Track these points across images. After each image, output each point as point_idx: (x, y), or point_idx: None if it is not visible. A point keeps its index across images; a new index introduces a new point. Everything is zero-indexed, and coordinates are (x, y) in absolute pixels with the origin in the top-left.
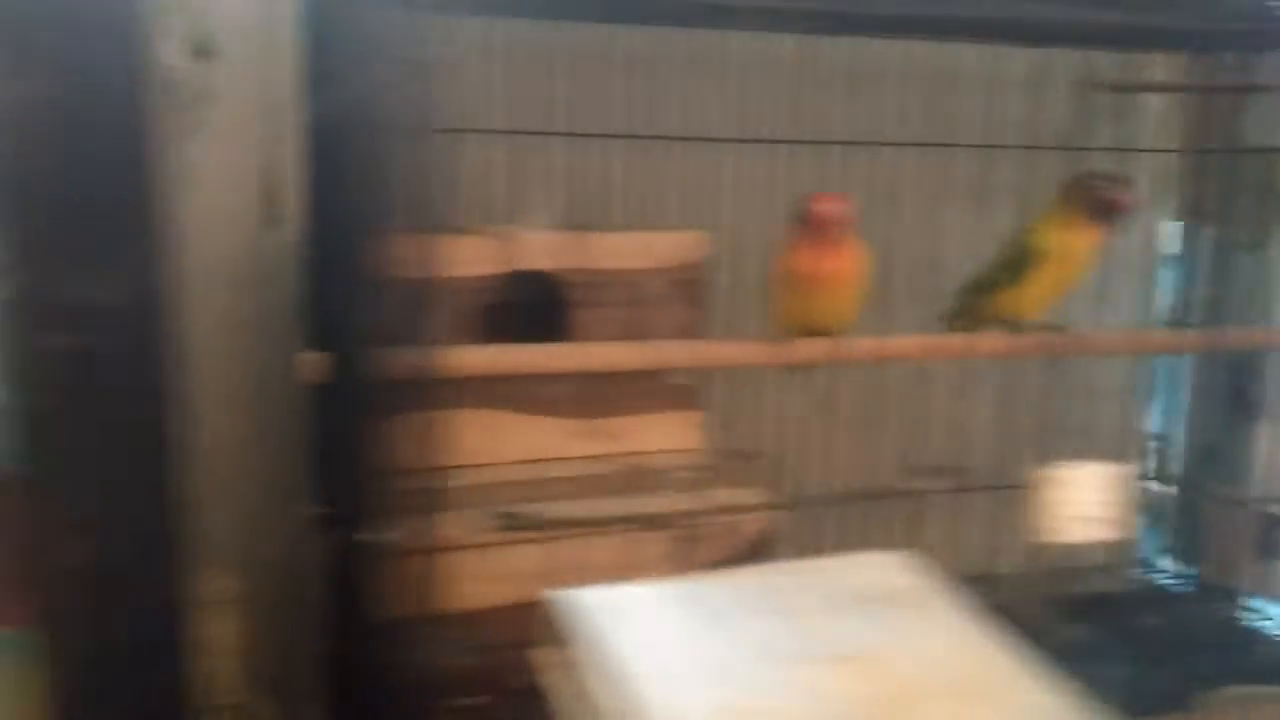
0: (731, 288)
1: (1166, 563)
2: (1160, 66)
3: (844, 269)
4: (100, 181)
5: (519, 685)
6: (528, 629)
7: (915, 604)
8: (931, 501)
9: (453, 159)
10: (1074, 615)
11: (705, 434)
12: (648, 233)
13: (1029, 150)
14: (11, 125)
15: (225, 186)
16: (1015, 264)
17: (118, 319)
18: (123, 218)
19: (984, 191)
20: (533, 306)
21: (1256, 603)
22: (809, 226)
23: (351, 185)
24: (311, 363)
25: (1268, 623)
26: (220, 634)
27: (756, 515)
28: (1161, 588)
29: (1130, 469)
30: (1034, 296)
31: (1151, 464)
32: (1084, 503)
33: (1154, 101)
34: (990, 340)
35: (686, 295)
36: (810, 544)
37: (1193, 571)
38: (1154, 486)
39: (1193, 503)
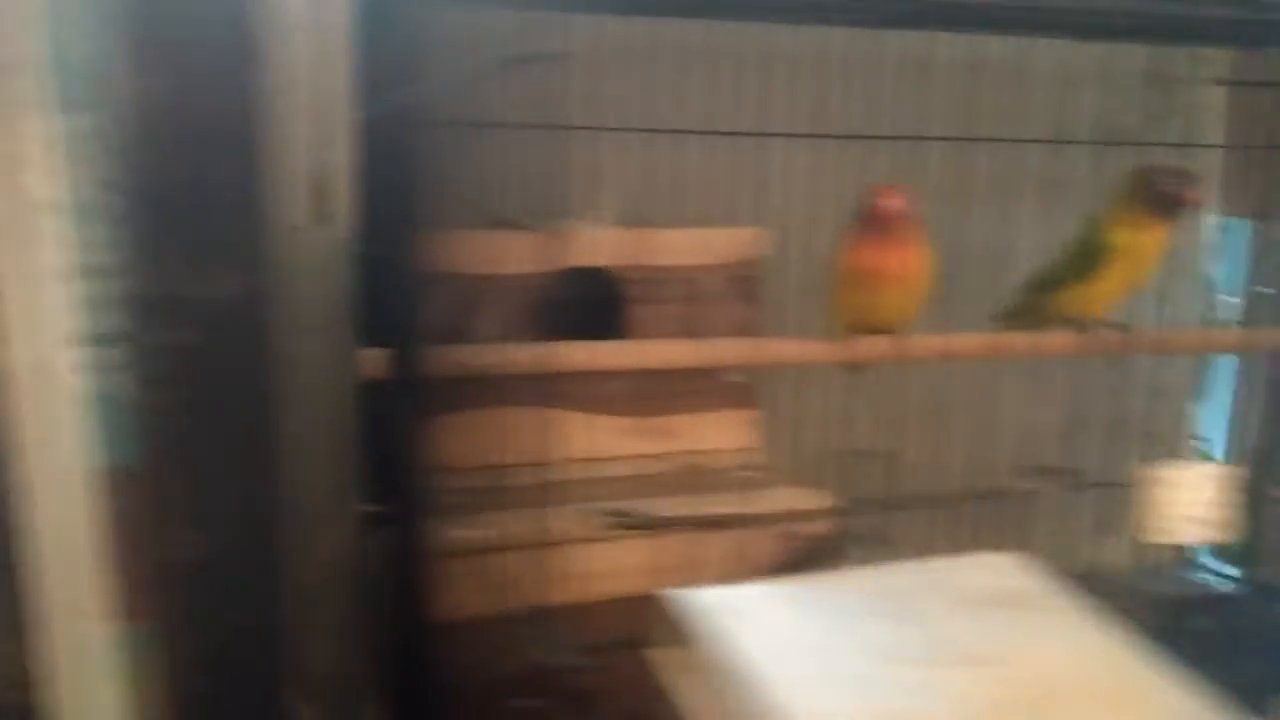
0: (790, 284)
1: (1221, 564)
2: (1213, 62)
3: (906, 265)
4: (214, 183)
5: (578, 687)
6: (586, 627)
7: (1034, 605)
8: (1004, 502)
9: (508, 155)
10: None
11: (763, 432)
12: (705, 229)
13: (1098, 145)
14: (132, 128)
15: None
16: (1083, 261)
17: (228, 315)
18: (235, 217)
19: (1052, 187)
20: (588, 303)
21: None
22: (871, 221)
23: (404, 182)
24: (368, 360)
25: None
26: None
27: (819, 518)
28: (1216, 589)
29: (1237, 471)
30: (1102, 294)
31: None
32: (1192, 503)
33: (1209, 97)
34: (1057, 339)
35: (744, 292)
36: (888, 546)
37: (1246, 573)
38: None
39: (1249, 504)
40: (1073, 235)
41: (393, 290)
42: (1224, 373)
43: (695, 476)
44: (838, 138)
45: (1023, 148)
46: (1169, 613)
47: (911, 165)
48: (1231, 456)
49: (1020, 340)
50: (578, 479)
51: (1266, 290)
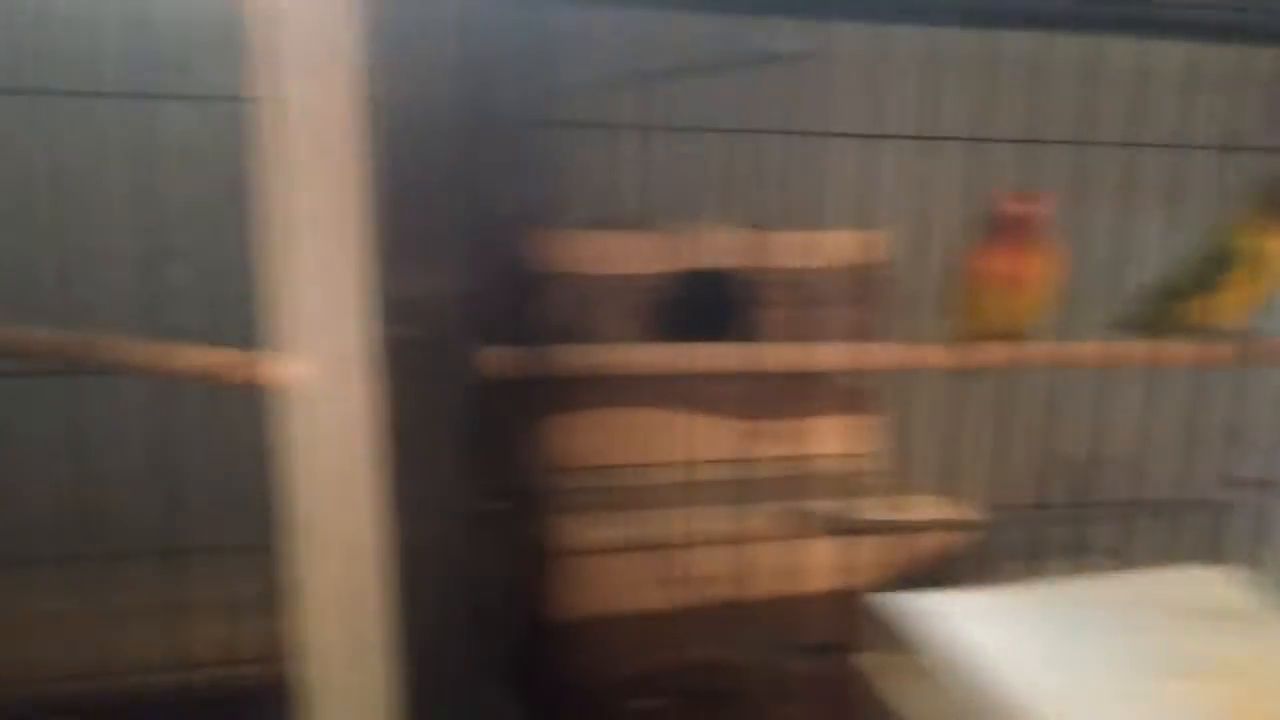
0: (907, 289)
1: None
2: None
3: (1037, 270)
4: (442, 184)
5: (700, 687)
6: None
7: (1253, 618)
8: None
9: (627, 155)
10: None
11: (880, 437)
12: (824, 232)
13: (1221, 150)
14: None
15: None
16: (1212, 269)
17: (443, 309)
18: (454, 218)
19: (1173, 193)
20: (707, 305)
21: None
22: (1002, 225)
23: (519, 182)
24: (485, 359)
25: None
26: None
27: (946, 528)
28: None
29: None
30: (1230, 303)
31: None
32: None
33: None
34: (1176, 348)
35: (863, 296)
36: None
37: None
38: None
39: None
40: (1198, 243)
41: (508, 290)
42: None
43: (812, 481)
44: (954, 140)
45: (1143, 152)
46: None
47: (1025, 169)
48: None
49: (1139, 349)
50: (691, 480)
51: None
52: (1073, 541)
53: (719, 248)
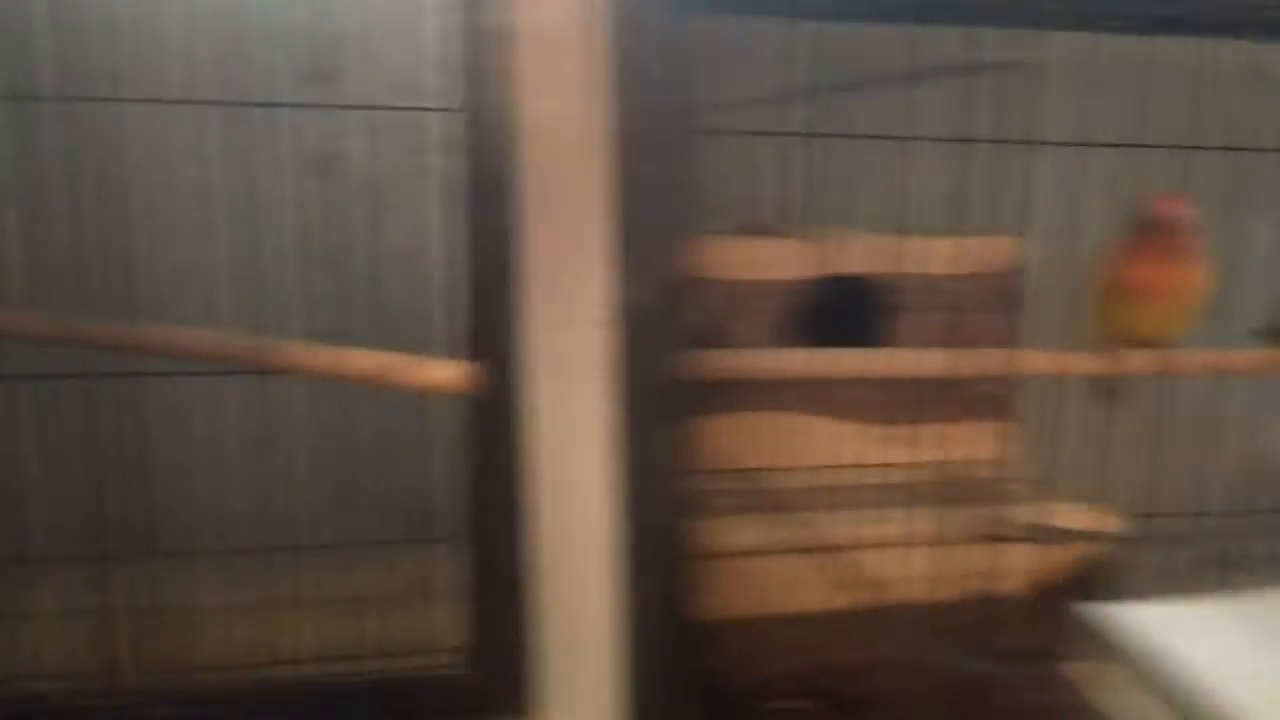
0: (1056, 295)
1: None
2: None
3: (1187, 276)
4: (663, 194)
5: (844, 691)
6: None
7: None
8: None
9: (764, 162)
10: None
11: (1022, 445)
12: (963, 237)
13: None
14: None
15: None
16: None
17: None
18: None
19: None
20: (845, 310)
21: None
22: (1151, 230)
23: (660, 189)
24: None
25: None
26: None
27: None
28: None
29: None
30: None
31: None
32: None
33: None
34: None
35: (1002, 302)
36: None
37: None
38: None
39: None
40: None
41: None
42: None
43: (952, 487)
44: (1106, 146)
45: (1257, 156)
46: None
47: (1179, 176)
48: None
49: None
50: (830, 485)
51: None
52: (1233, 552)
53: (861, 253)
